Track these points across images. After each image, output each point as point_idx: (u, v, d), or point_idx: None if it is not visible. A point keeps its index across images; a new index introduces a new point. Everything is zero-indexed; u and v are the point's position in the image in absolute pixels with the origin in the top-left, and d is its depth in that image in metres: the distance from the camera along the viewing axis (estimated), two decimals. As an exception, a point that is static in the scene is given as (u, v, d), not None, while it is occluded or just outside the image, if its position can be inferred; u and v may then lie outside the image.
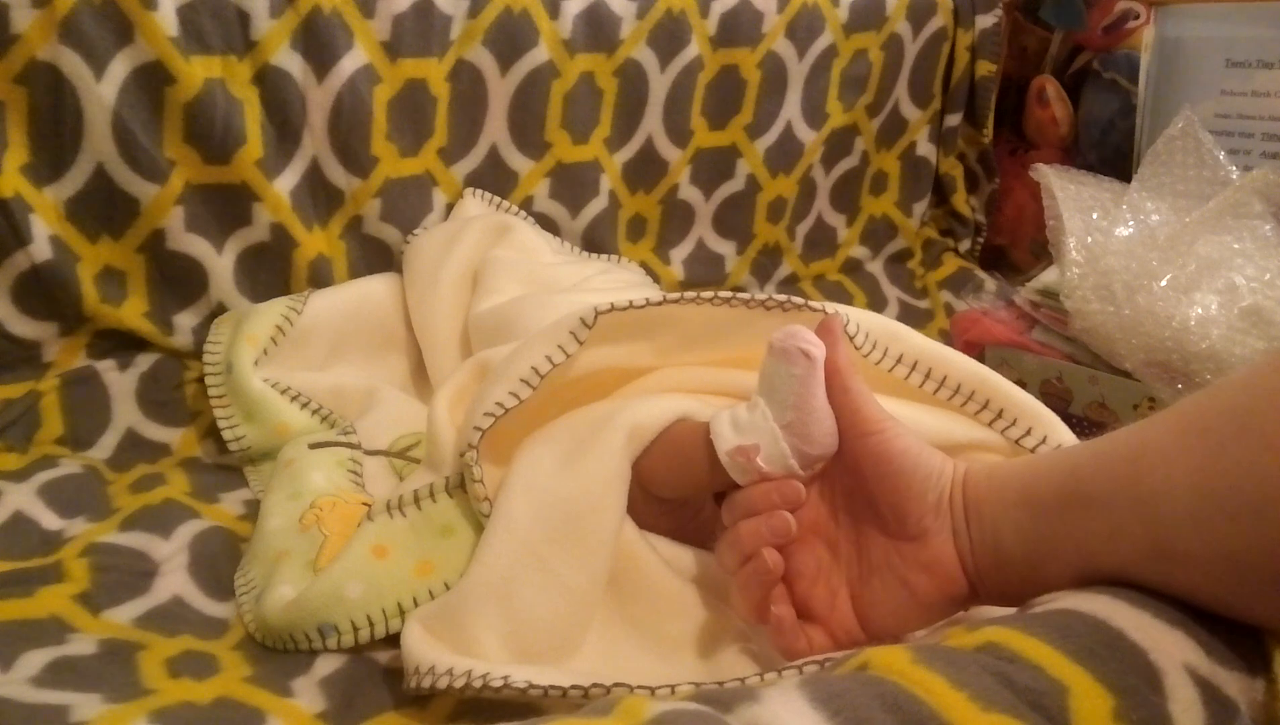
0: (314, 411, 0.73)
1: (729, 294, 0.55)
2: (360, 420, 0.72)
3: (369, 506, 0.60)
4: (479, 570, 0.52)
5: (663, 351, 0.59)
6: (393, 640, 0.54)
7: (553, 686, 0.45)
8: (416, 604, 0.55)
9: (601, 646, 0.53)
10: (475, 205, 0.90)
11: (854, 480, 0.47)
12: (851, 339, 0.55)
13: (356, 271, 0.86)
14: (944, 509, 0.44)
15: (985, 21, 1.13)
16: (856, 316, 0.56)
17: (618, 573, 0.54)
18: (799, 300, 0.55)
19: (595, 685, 0.45)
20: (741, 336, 0.57)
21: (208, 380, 0.74)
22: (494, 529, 0.53)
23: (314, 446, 0.68)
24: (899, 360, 0.56)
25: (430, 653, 0.49)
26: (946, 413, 0.56)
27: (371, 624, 0.54)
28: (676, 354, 0.59)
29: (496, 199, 0.92)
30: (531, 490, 0.54)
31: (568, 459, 0.54)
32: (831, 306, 0.54)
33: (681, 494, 0.55)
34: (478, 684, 0.46)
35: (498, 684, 0.46)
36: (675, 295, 0.56)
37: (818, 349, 0.47)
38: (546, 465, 0.54)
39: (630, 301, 0.55)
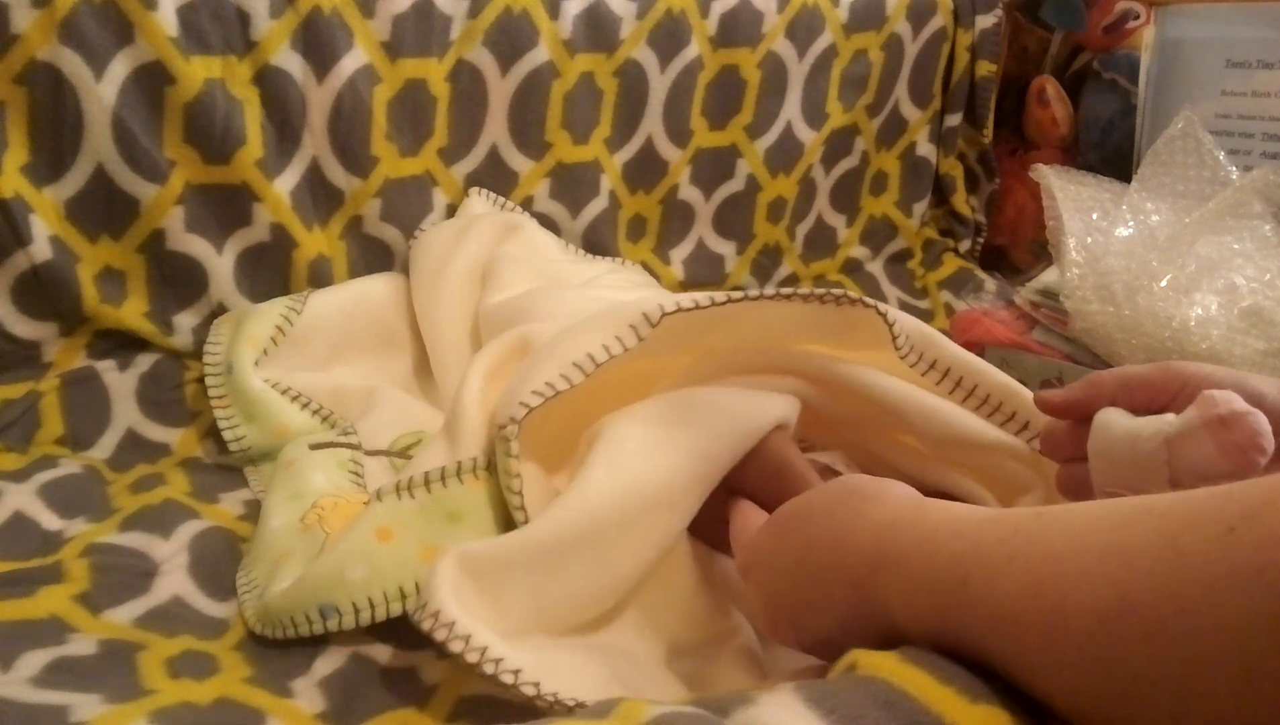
0: (314, 412, 0.73)
1: (789, 291, 0.56)
2: (361, 420, 0.72)
3: (377, 489, 0.60)
4: (537, 531, 0.51)
5: (710, 346, 0.60)
6: (393, 639, 0.54)
7: (558, 702, 0.45)
8: (419, 589, 0.53)
9: (610, 633, 0.53)
10: (480, 205, 0.90)
11: None
12: (895, 341, 0.57)
13: (356, 271, 0.86)
14: None
15: (985, 21, 1.13)
16: (901, 319, 0.58)
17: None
18: (855, 296, 0.56)
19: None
20: (794, 333, 0.58)
21: (208, 380, 0.74)
22: (572, 496, 0.52)
23: (315, 447, 0.68)
24: (933, 366, 0.59)
25: (455, 607, 0.47)
26: (978, 417, 0.59)
27: (373, 606, 0.53)
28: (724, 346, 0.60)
29: (501, 199, 0.92)
30: (616, 469, 0.53)
31: (656, 446, 0.54)
32: (884, 306, 0.56)
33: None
34: (489, 669, 0.45)
35: (508, 679, 0.45)
36: (738, 293, 0.56)
37: (1264, 458, 0.42)
38: (632, 446, 0.54)
39: (696, 301, 0.55)
